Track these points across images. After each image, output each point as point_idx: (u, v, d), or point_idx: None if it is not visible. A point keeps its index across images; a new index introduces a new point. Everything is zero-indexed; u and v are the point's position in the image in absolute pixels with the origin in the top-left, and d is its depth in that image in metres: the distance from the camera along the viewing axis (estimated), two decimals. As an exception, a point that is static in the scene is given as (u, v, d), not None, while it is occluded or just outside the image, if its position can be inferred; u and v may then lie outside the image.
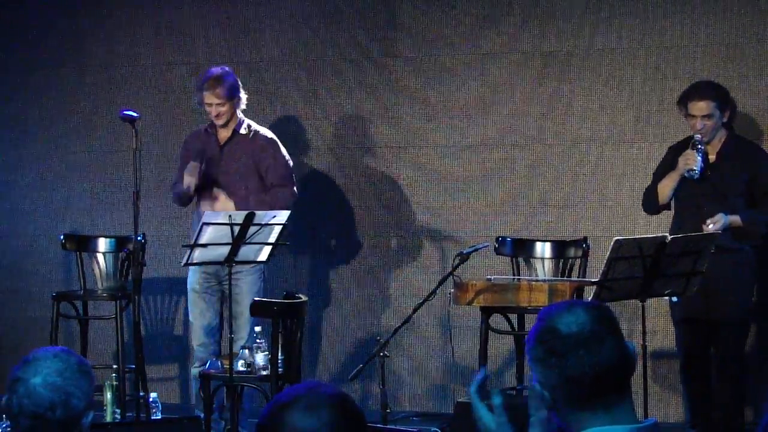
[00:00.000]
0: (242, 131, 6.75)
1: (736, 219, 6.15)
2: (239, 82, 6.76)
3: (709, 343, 6.36)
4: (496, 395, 2.53)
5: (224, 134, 6.77)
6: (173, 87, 7.89)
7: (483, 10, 7.38)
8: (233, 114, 6.73)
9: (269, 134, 6.83)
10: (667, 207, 6.45)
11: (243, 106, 6.78)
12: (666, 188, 6.34)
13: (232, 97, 6.67)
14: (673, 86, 6.91)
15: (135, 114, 6.38)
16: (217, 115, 6.67)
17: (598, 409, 2.47)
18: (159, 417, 6.58)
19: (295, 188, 6.77)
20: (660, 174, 6.44)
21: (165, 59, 7.92)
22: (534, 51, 7.31)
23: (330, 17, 7.64)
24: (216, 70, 6.74)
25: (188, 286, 6.80)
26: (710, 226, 6.05)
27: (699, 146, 6.19)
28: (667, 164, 6.42)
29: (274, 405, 2.36)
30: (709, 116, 6.21)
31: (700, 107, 6.22)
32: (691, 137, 6.29)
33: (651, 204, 6.44)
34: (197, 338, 6.78)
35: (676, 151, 6.39)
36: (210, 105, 6.66)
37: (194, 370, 6.73)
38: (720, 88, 6.33)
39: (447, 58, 7.45)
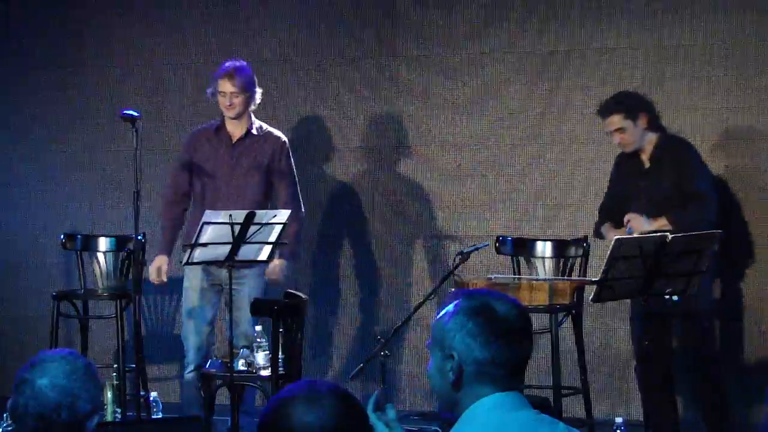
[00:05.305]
0: (254, 131, 6.66)
1: (662, 222, 6.11)
2: (255, 79, 6.69)
3: (668, 339, 6.32)
4: (389, 409, 2.72)
5: (238, 132, 6.66)
6: (173, 87, 7.89)
7: (482, 9, 7.38)
8: (246, 109, 6.63)
9: (282, 137, 6.74)
10: None
11: (256, 104, 6.68)
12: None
13: (247, 89, 6.58)
14: (671, 86, 6.92)
15: (136, 113, 6.35)
16: (230, 105, 6.57)
17: (498, 390, 2.60)
18: (159, 416, 6.58)
19: (302, 207, 6.71)
20: (610, 195, 6.49)
21: (165, 59, 7.91)
22: (533, 50, 7.31)
23: (329, 17, 7.64)
24: (234, 61, 6.66)
25: (185, 284, 6.69)
26: (627, 220, 6.15)
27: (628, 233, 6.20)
28: (618, 179, 6.45)
29: (275, 401, 2.37)
30: (621, 129, 6.29)
31: (608, 123, 6.33)
32: (622, 153, 6.38)
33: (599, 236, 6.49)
34: (190, 338, 6.66)
35: (618, 165, 6.47)
36: (224, 94, 6.56)
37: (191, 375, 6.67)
38: (625, 98, 6.37)
39: (446, 57, 7.45)
